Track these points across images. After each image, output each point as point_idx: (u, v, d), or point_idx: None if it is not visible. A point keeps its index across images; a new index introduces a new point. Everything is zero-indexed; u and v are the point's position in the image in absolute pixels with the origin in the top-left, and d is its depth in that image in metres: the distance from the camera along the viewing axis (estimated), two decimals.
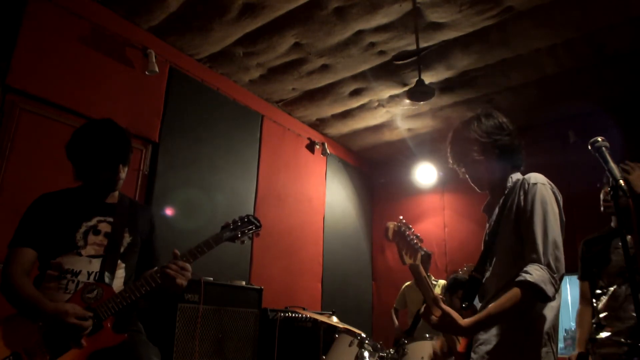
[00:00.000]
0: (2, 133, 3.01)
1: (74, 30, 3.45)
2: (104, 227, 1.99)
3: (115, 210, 2.05)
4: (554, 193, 1.62)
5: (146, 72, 3.82)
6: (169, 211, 3.83)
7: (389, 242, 1.52)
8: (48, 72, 3.26)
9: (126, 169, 2.06)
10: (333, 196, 5.90)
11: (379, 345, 3.19)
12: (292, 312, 4.12)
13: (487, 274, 1.71)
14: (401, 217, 1.59)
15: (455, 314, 1.50)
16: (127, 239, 2.03)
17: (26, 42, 3.15)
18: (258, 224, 2.18)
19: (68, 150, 2.01)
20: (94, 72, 3.54)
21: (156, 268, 1.93)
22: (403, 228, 1.54)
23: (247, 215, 2.18)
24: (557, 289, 1.47)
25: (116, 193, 2.12)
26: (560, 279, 1.50)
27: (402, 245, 1.52)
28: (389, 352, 3.18)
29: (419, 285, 1.62)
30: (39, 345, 1.73)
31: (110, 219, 2.02)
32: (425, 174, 5.94)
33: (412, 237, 1.56)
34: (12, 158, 3.02)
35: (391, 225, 1.50)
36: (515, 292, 1.46)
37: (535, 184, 1.61)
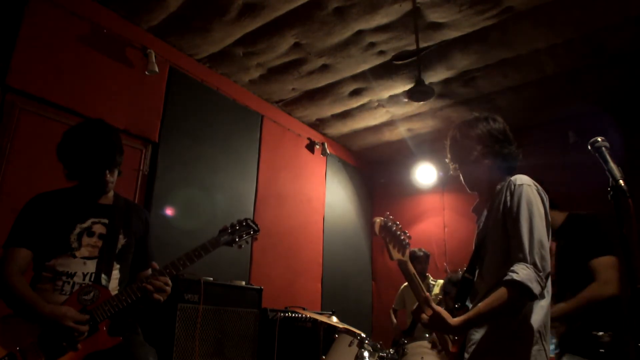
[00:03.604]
0: (2, 133, 3.01)
1: (74, 30, 3.45)
2: (99, 229, 1.99)
3: (110, 212, 2.05)
4: (539, 194, 1.64)
5: (146, 72, 3.82)
6: (168, 211, 3.83)
7: (376, 237, 1.54)
8: (48, 72, 3.26)
9: (115, 172, 2.05)
10: (333, 196, 5.90)
11: (378, 345, 3.19)
12: (292, 312, 4.12)
13: (478, 274, 1.72)
14: (388, 213, 1.61)
15: (445, 313, 1.52)
16: (121, 240, 2.04)
17: (26, 42, 3.15)
18: (256, 228, 2.15)
19: (58, 152, 2.01)
20: (94, 72, 3.54)
21: (151, 272, 1.93)
22: (390, 223, 1.56)
23: (246, 219, 2.15)
24: (543, 287, 1.49)
25: (110, 194, 2.11)
26: (547, 278, 1.52)
27: (389, 239, 1.54)
28: (389, 352, 3.18)
29: (409, 282, 1.63)
30: (34, 346, 1.73)
31: (105, 221, 2.02)
32: (425, 174, 5.94)
33: (399, 232, 1.57)
34: (12, 158, 3.03)
35: (378, 220, 1.52)
36: (502, 291, 1.48)
37: (521, 185, 1.63)
